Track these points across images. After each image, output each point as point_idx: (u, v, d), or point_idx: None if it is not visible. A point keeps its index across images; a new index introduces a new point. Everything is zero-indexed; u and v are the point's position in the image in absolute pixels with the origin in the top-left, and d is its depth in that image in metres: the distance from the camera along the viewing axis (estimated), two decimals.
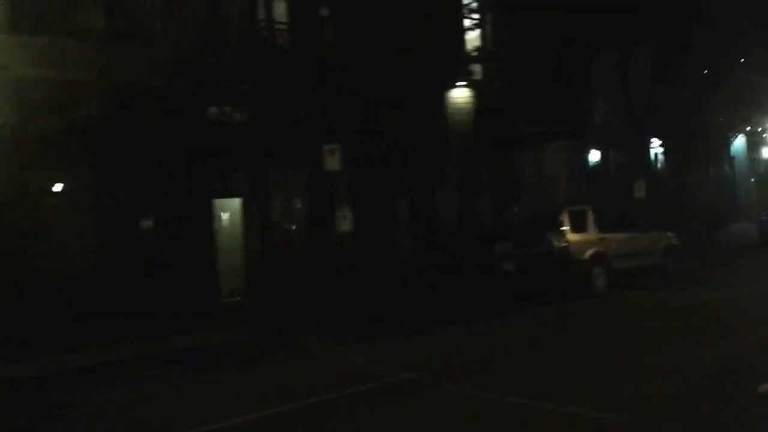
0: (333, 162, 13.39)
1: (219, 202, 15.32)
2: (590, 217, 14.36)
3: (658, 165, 26.76)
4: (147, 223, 14.04)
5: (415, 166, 17.94)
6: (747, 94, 27.27)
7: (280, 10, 16.05)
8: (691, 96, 26.06)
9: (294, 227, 16.73)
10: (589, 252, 13.97)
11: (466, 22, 17.69)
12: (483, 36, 20.84)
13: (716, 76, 26.45)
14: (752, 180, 33.82)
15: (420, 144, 15.64)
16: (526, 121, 20.72)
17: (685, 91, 25.65)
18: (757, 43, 25.60)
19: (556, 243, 13.78)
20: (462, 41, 16.33)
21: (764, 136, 30.06)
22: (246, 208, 15.65)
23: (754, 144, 32.15)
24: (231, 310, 14.25)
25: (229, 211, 15.65)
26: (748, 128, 29.55)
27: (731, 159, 33.56)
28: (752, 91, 27.06)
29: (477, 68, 20.67)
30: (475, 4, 17.48)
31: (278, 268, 15.40)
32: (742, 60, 26.75)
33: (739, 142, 32.94)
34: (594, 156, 24.00)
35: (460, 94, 16.83)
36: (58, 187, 13.54)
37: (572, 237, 13.87)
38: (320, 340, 10.91)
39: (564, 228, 13.86)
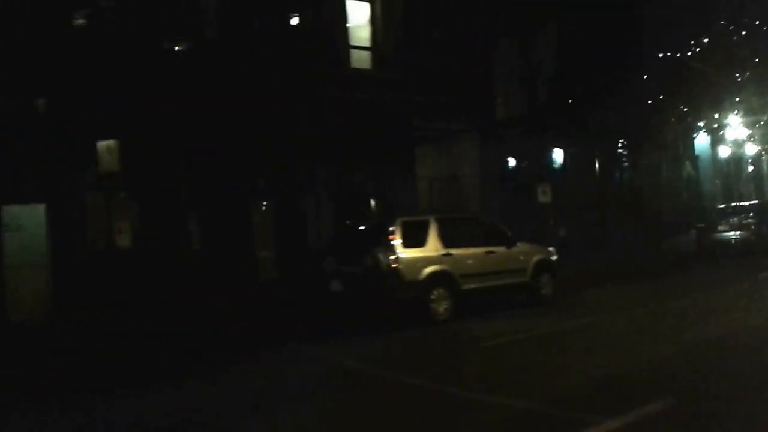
0: (112, 162, 11.13)
1: (12, 209, 13.12)
2: (433, 229, 11.93)
3: (597, 166, 24.21)
4: None
5: (275, 168, 15.75)
6: (700, 87, 24.66)
7: None
8: (638, 90, 23.67)
9: (119, 237, 14.49)
10: (427, 270, 11.55)
11: None
12: (373, 19, 18.59)
13: (664, 67, 24.01)
14: (717, 181, 31.13)
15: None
16: (421, 117, 18.45)
17: (634, 85, 23.28)
18: (703, 31, 23.14)
19: (383, 260, 11.39)
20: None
21: (721, 133, 27.35)
22: (50, 216, 13.46)
23: (716, 142, 29.44)
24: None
25: (29, 219, 13.44)
26: (704, 123, 26.86)
27: (695, 159, 30.94)
28: (705, 83, 24.44)
29: (365, 56, 18.50)
30: None
31: (90, 285, 13.29)
32: (691, 52, 24.22)
33: (703, 141, 30.31)
34: (511, 156, 21.49)
35: None
36: None
37: (405, 253, 11.46)
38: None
39: (395, 242, 11.47)
